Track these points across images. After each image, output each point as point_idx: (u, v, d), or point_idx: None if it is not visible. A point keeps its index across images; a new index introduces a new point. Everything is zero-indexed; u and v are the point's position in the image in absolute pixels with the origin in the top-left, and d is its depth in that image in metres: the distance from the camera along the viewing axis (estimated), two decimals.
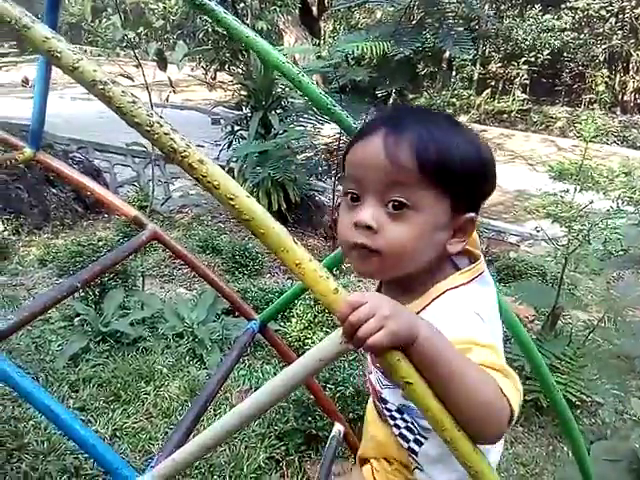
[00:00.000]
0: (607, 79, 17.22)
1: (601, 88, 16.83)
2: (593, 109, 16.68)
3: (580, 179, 2.44)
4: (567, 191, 2.55)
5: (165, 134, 0.53)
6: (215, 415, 2.38)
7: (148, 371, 2.69)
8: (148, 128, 0.53)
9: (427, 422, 0.64)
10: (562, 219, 2.49)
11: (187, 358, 2.89)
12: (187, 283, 4.67)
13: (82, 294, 3.38)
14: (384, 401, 0.90)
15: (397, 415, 0.88)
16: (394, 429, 0.89)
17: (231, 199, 0.53)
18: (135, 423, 2.29)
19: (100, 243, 3.83)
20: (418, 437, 0.86)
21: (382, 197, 0.78)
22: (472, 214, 0.80)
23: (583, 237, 2.56)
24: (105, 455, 0.82)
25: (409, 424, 0.87)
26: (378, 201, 0.78)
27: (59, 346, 2.84)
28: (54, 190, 6.47)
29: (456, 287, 0.81)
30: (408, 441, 0.87)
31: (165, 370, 2.73)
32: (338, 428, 1.38)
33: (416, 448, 0.87)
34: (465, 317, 0.75)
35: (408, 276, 0.83)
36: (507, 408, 0.65)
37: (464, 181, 0.78)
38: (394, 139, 0.77)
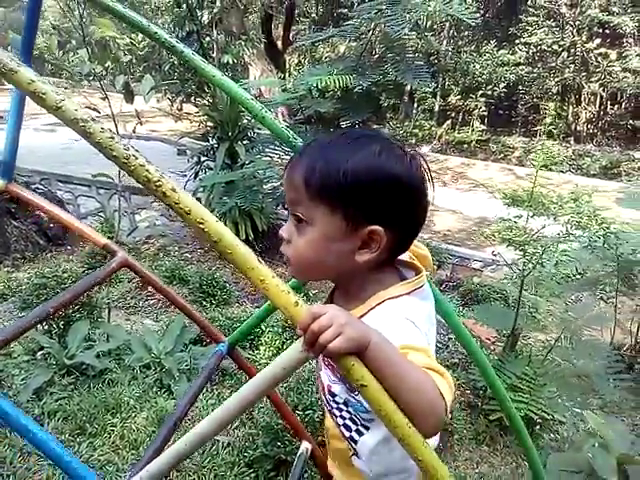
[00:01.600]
0: (560, 110, 18.04)
1: (548, 120, 17.62)
2: (547, 139, 17.40)
3: (532, 205, 2.59)
4: (520, 216, 2.69)
5: (141, 165, 0.59)
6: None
7: (114, 403, 2.66)
8: (125, 160, 0.59)
9: (371, 415, 0.74)
10: (516, 243, 2.63)
11: (154, 389, 2.87)
12: (154, 314, 4.63)
13: (45, 327, 3.33)
14: (333, 394, 0.99)
15: (343, 407, 0.97)
16: (339, 420, 0.98)
17: (201, 223, 0.59)
18: (102, 455, 2.26)
19: (65, 275, 3.78)
20: (360, 428, 0.96)
21: (292, 213, 0.90)
22: (375, 227, 0.87)
23: (536, 260, 2.69)
24: (79, 470, 0.84)
25: (353, 416, 0.96)
26: (291, 217, 0.91)
27: (22, 380, 2.79)
28: (15, 222, 6.34)
29: (395, 297, 0.89)
30: (350, 430, 0.97)
31: (132, 401, 2.70)
32: (305, 446, 1.42)
33: (356, 437, 0.97)
34: (401, 324, 0.83)
35: (344, 284, 0.95)
36: (443, 403, 0.73)
37: (353, 195, 0.85)
38: (295, 164, 0.90)
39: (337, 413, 0.99)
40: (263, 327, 3.41)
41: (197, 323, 1.42)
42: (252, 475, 2.21)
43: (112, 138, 0.59)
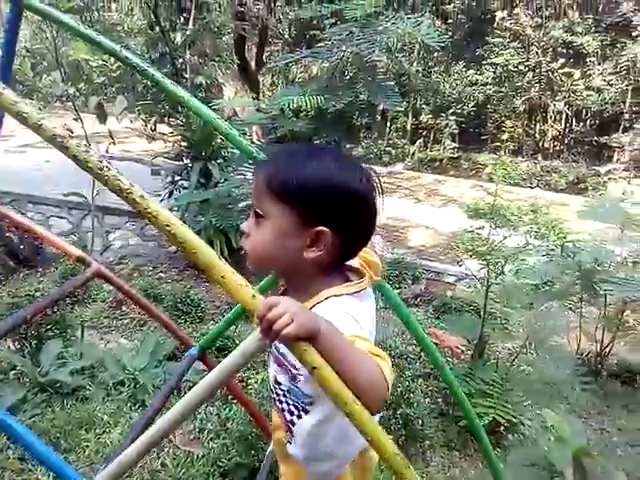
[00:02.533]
0: (527, 128, 18.56)
1: (505, 137, 18.14)
2: (515, 156, 17.84)
3: (493, 217, 2.71)
4: (482, 228, 2.82)
5: (113, 176, 0.67)
6: (158, 457, 2.40)
7: (88, 419, 2.67)
8: (99, 171, 0.67)
9: (310, 400, 0.95)
10: (478, 254, 2.75)
11: (129, 404, 2.89)
12: (128, 333, 4.63)
13: (18, 346, 3.32)
14: (278, 383, 1.09)
15: (287, 395, 1.07)
16: (284, 405, 1.09)
17: (168, 226, 0.67)
18: (76, 470, 2.26)
19: (37, 294, 3.78)
20: (300, 413, 1.06)
21: (254, 210, 1.02)
22: (322, 227, 0.97)
23: (499, 270, 2.81)
24: (62, 468, 0.90)
25: (294, 403, 1.06)
26: (252, 213, 1.03)
27: None
28: None
29: (337, 296, 0.99)
30: (292, 415, 1.07)
31: (106, 417, 2.72)
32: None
33: (295, 421, 1.07)
34: (343, 318, 0.93)
35: (294, 280, 1.06)
36: (385, 383, 0.82)
37: (306, 197, 0.97)
38: (262, 166, 1.05)
39: (282, 399, 1.09)
40: (236, 336, 3.47)
41: (166, 328, 1.48)
42: None
43: (87, 152, 0.66)
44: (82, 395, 2.91)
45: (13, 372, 3.15)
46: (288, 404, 1.08)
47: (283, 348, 1.04)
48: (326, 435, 1.06)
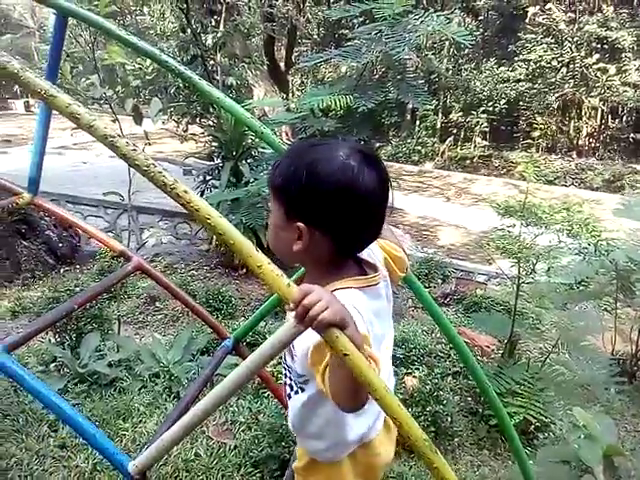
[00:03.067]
0: (561, 125, 18.18)
1: (536, 134, 17.76)
2: (549, 154, 17.49)
3: (524, 215, 2.70)
4: (514, 226, 2.80)
5: (159, 172, 0.71)
6: (192, 447, 2.47)
7: (125, 409, 2.77)
8: (145, 168, 0.72)
9: (304, 379, 1.06)
10: (509, 252, 2.74)
11: (164, 396, 2.98)
12: (162, 329, 4.75)
13: (58, 339, 3.45)
14: (285, 360, 1.19)
15: (289, 372, 1.17)
16: (287, 380, 1.19)
17: (208, 218, 0.72)
18: None
19: (77, 289, 3.91)
20: (298, 390, 1.15)
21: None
22: (300, 223, 1.03)
23: (530, 268, 2.79)
24: (104, 443, 0.96)
25: (293, 379, 1.16)
26: None
27: None
28: (25, 242, 6.49)
29: (344, 288, 1.03)
30: (291, 389, 1.17)
31: (142, 408, 2.80)
32: None
33: (292, 395, 1.17)
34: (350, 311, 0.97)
35: (307, 272, 1.16)
36: (364, 395, 0.88)
37: (287, 195, 1.04)
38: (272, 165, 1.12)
39: (287, 374, 1.20)
40: (266, 332, 3.54)
41: (204, 320, 1.54)
42: (258, 475, 2.31)
43: (135, 150, 0.71)
44: (119, 386, 3.01)
45: (54, 364, 3.28)
46: (290, 380, 1.18)
47: None
48: (316, 414, 1.13)
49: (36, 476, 2.12)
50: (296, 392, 1.16)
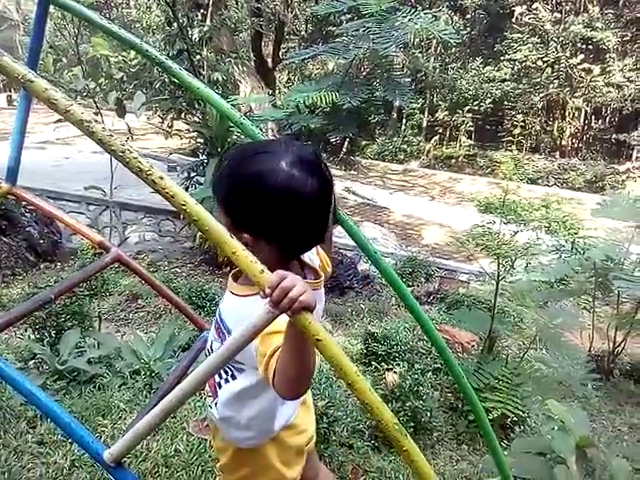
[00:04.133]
0: (545, 125, 18.39)
1: (522, 134, 17.95)
2: (532, 154, 17.68)
3: (503, 212, 2.73)
4: (493, 222, 2.84)
5: (134, 158, 0.72)
6: (172, 443, 2.46)
7: (105, 406, 2.74)
8: (121, 154, 0.72)
9: (240, 366, 1.09)
10: (488, 248, 2.77)
11: (144, 393, 2.96)
12: (143, 326, 4.72)
13: (37, 336, 3.42)
14: (212, 349, 1.21)
15: None
16: None
17: (183, 205, 0.72)
18: None
19: (56, 284, 3.87)
20: (228, 377, 1.16)
21: None
22: (245, 235, 1.03)
23: (509, 265, 2.83)
24: (79, 431, 0.96)
25: (225, 367, 1.15)
26: None
27: None
28: (5, 239, 6.40)
29: None
30: (220, 378, 1.17)
31: (122, 405, 2.78)
32: None
33: (223, 384, 1.17)
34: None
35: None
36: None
37: (230, 207, 1.06)
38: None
39: None
40: None
41: (182, 311, 1.54)
42: None
43: (111, 136, 0.72)
44: (99, 383, 2.98)
45: (33, 361, 3.24)
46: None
47: (225, 314, 1.15)
48: (247, 406, 1.16)
49: (14, 472, 2.10)
50: (226, 380, 1.17)
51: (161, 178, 0.72)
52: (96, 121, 0.71)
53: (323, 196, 1.04)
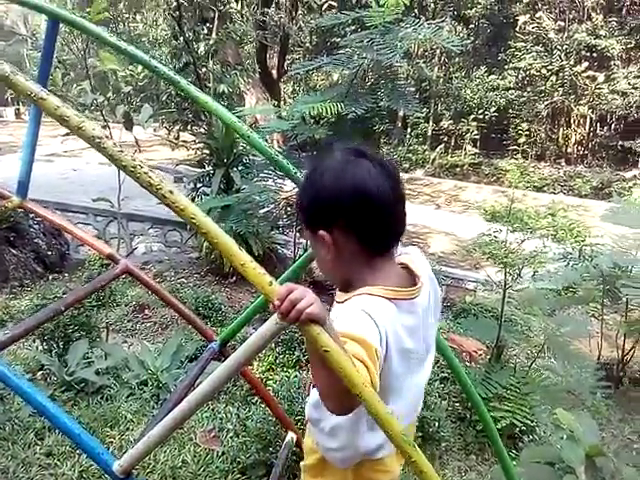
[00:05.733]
0: (550, 132, 18.36)
1: (527, 142, 17.88)
2: (538, 161, 17.62)
3: (510, 220, 2.73)
4: (500, 231, 2.84)
5: (145, 173, 0.73)
6: (179, 454, 2.46)
7: (113, 417, 2.76)
8: (132, 169, 0.73)
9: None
10: (495, 256, 2.77)
11: (151, 403, 2.97)
12: (150, 337, 4.73)
13: (45, 347, 3.43)
14: None
15: None
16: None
17: (193, 218, 0.74)
18: None
19: (65, 296, 3.89)
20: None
21: None
22: (321, 231, 1.07)
23: (516, 273, 2.83)
24: (89, 442, 0.96)
25: None
26: None
27: None
28: (14, 250, 6.43)
29: (368, 294, 1.05)
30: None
31: (129, 415, 2.79)
32: (291, 436, 1.54)
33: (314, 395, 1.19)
34: (354, 314, 1.00)
35: (352, 282, 1.15)
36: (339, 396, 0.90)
37: (303, 212, 1.13)
38: None
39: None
40: None
41: (190, 323, 1.55)
42: None
43: (121, 151, 0.73)
44: (107, 394, 3.00)
45: (41, 372, 3.26)
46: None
47: None
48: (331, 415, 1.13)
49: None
50: (314, 386, 1.18)
51: (171, 192, 0.73)
52: (107, 137, 0.73)
53: (393, 190, 1.09)
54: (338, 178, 1.06)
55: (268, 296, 0.76)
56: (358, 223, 1.06)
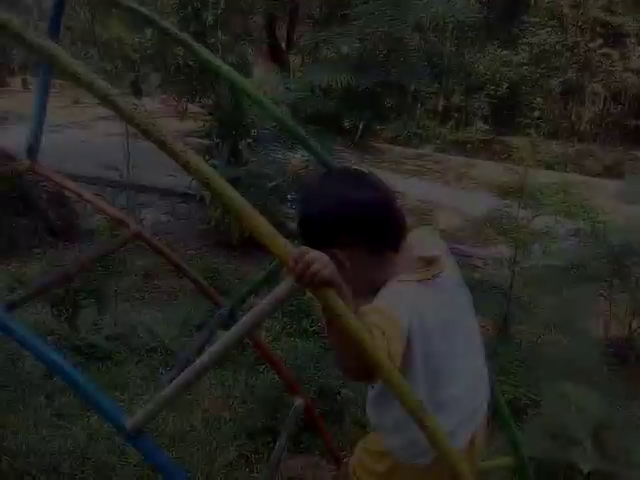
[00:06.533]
0: (563, 110, 18.07)
1: (539, 119, 17.58)
2: (550, 139, 17.39)
3: (521, 196, 2.71)
4: (510, 206, 2.81)
5: (158, 131, 0.72)
6: (188, 420, 2.51)
7: (122, 381, 2.80)
8: (145, 127, 0.72)
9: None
10: (505, 232, 2.75)
11: (160, 370, 3.01)
12: (159, 305, 4.77)
13: (56, 312, 3.47)
14: None
15: None
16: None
17: (207, 178, 0.73)
18: (111, 427, 2.39)
19: (77, 259, 3.92)
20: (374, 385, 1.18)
21: None
22: (334, 250, 1.08)
23: (526, 250, 2.81)
24: (99, 398, 0.98)
25: None
26: None
27: (34, 360, 2.92)
28: (23, 220, 6.47)
29: (401, 281, 1.10)
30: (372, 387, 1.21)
31: (139, 381, 2.84)
32: (299, 401, 1.56)
33: (370, 389, 1.23)
34: (384, 293, 1.08)
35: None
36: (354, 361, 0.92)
37: (306, 239, 1.14)
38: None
39: None
40: None
41: (198, 286, 1.56)
42: (252, 446, 2.35)
43: (135, 108, 0.72)
44: (116, 359, 3.05)
45: (50, 337, 3.30)
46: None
47: None
48: (388, 408, 1.15)
49: (32, 445, 2.16)
50: (372, 386, 1.21)
51: (184, 151, 0.72)
52: (118, 95, 0.72)
53: (377, 191, 1.15)
54: (321, 198, 1.13)
55: (282, 257, 0.76)
56: (357, 232, 1.10)
